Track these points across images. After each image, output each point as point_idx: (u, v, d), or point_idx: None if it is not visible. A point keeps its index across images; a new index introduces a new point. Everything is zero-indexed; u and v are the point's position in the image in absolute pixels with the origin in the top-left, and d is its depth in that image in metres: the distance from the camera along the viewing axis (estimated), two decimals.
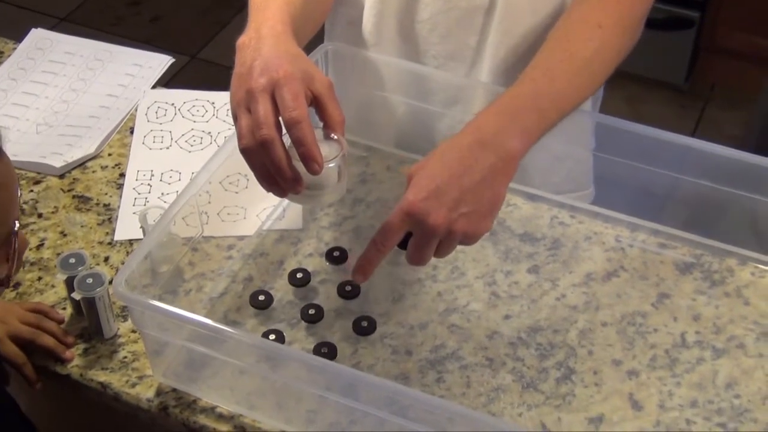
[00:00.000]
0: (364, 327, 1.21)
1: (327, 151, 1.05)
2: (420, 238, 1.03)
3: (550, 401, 1.15)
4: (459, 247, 1.29)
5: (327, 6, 1.28)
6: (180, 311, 1.07)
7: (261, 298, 1.23)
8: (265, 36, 1.06)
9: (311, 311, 1.22)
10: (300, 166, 1.02)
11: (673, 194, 1.33)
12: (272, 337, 1.19)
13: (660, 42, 2.84)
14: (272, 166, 1.02)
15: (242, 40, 1.08)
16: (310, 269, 1.27)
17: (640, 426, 1.12)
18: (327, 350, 1.18)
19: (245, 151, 1.03)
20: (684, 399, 1.15)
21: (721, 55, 2.95)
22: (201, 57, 3.25)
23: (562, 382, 1.17)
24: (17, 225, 0.98)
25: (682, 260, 1.29)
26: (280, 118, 1.02)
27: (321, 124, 1.07)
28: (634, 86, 2.98)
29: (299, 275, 1.26)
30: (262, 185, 1.06)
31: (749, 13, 2.82)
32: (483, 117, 1.07)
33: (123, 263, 1.30)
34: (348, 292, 1.24)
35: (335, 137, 1.06)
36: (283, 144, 1.01)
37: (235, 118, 1.04)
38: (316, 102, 1.05)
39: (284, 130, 1.02)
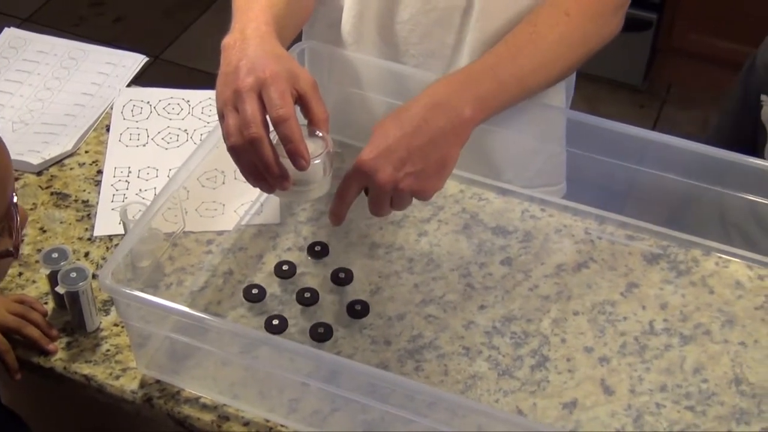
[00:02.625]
0: (358, 310, 1.25)
1: (312, 148, 1.08)
2: (372, 193, 1.11)
3: (526, 387, 1.18)
4: (434, 240, 1.33)
5: (309, 8, 1.31)
6: (167, 302, 1.09)
7: (254, 291, 1.26)
8: (250, 37, 1.09)
9: (307, 294, 1.26)
10: (287, 163, 1.05)
11: (639, 187, 1.38)
12: (275, 322, 1.22)
13: (618, 43, 2.87)
14: (261, 164, 1.05)
15: (227, 41, 1.10)
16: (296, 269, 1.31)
17: (612, 410, 1.16)
18: (323, 330, 1.22)
19: (233, 149, 1.06)
20: (653, 384, 1.19)
21: (677, 55, 3.01)
22: (164, 58, 3.26)
23: (536, 369, 1.20)
24: (15, 198, 1.00)
25: (649, 251, 1.34)
26: (267, 117, 1.05)
27: (305, 122, 1.10)
28: (593, 87, 3.04)
29: (285, 267, 1.29)
30: (249, 182, 1.09)
31: (705, 15, 2.88)
32: (440, 82, 1.15)
33: (103, 258, 1.32)
34: (342, 278, 1.28)
35: (320, 134, 1.10)
36: (270, 142, 1.04)
37: (222, 116, 1.07)
38: (300, 100, 1.08)
39: (270, 129, 1.05)
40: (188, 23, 3.43)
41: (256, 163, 1.06)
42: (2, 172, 0.98)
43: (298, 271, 1.29)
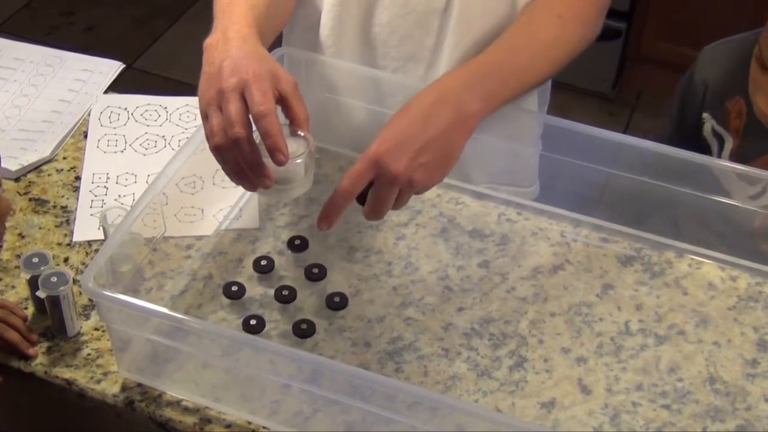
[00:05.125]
0: (337, 302, 1.27)
1: (294, 147, 1.10)
2: (381, 187, 1.11)
3: (504, 388, 1.20)
4: (412, 244, 1.35)
5: (288, 11, 1.32)
6: (149, 305, 1.10)
7: (234, 288, 1.27)
8: (232, 38, 1.10)
9: (285, 292, 1.27)
10: (269, 162, 1.07)
11: (612, 190, 1.40)
12: (253, 322, 1.23)
13: (588, 52, 2.91)
14: (244, 162, 1.06)
15: (209, 42, 1.12)
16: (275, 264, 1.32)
17: (589, 409, 1.18)
18: (306, 326, 1.23)
19: (217, 149, 1.07)
20: (630, 383, 1.21)
21: (646, 64, 3.05)
22: (135, 67, 3.26)
23: (514, 369, 1.22)
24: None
25: (624, 253, 1.36)
26: (250, 115, 1.06)
27: (287, 123, 1.12)
28: (563, 95, 3.06)
29: (263, 263, 1.31)
30: (233, 180, 1.10)
31: (673, 24, 2.92)
32: (448, 77, 1.17)
33: (83, 263, 1.33)
34: (315, 273, 1.30)
35: (301, 134, 1.11)
36: (254, 141, 1.06)
37: (205, 116, 1.08)
38: (282, 101, 1.10)
39: (254, 129, 1.06)
40: (159, 33, 3.43)
41: (240, 162, 1.07)
42: None
43: (278, 270, 1.31)
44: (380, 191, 1.11)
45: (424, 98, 1.14)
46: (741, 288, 1.32)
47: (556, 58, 1.26)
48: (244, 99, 1.05)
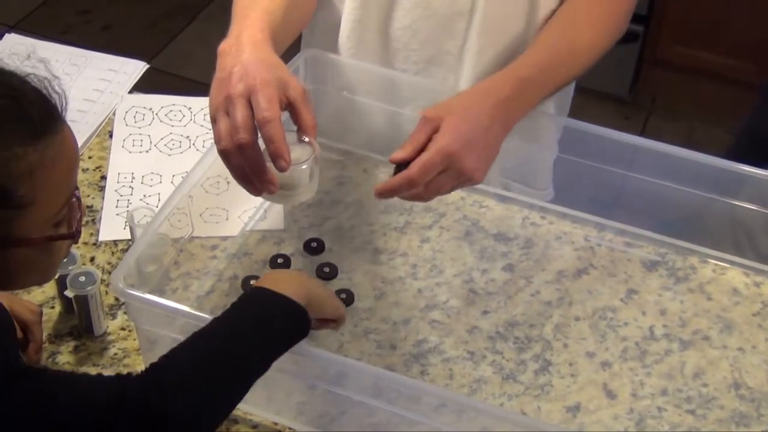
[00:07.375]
0: (343, 299, 1.28)
1: (299, 153, 1.11)
2: (447, 178, 1.14)
3: (530, 391, 1.20)
4: (437, 247, 1.35)
5: (308, 14, 1.33)
6: (178, 305, 1.10)
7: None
8: (245, 44, 1.11)
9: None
10: (274, 168, 1.08)
11: (631, 194, 1.40)
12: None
13: (605, 55, 2.92)
14: (248, 168, 1.08)
15: (223, 47, 1.13)
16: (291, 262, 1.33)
17: (614, 413, 1.18)
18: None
19: (223, 153, 1.08)
20: (654, 388, 1.21)
21: (663, 68, 3.05)
22: (152, 66, 3.26)
23: (540, 373, 1.22)
24: (79, 192, 1.01)
25: (648, 258, 1.36)
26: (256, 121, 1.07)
27: (295, 129, 1.13)
28: (579, 98, 3.04)
29: (280, 260, 1.33)
30: (239, 184, 1.12)
31: (690, 28, 2.92)
32: (499, 83, 1.20)
33: (109, 263, 1.33)
34: (326, 273, 1.31)
35: (308, 140, 1.12)
36: (258, 147, 1.07)
37: (214, 121, 1.09)
38: (290, 107, 1.11)
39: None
40: (176, 32, 3.44)
41: (245, 166, 1.08)
42: (73, 156, 0.98)
43: (294, 267, 1.32)
44: (445, 181, 1.14)
45: (483, 102, 1.17)
46: (765, 294, 1.32)
47: (589, 62, 1.29)
48: (251, 105, 1.06)
